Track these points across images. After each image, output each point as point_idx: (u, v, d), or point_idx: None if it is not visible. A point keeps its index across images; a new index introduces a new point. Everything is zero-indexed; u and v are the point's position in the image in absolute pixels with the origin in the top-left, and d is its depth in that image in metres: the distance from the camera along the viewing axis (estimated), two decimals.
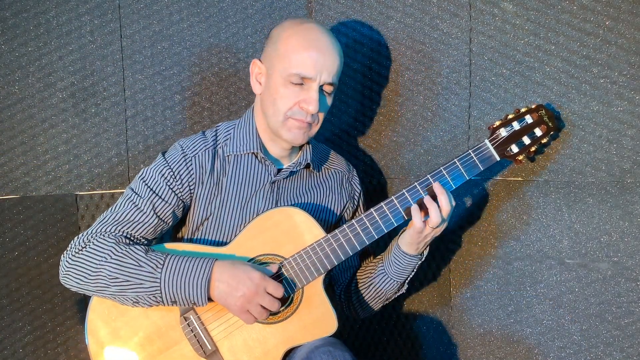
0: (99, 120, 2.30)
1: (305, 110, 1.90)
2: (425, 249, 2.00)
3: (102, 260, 1.80)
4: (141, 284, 1.78)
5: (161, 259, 1.80)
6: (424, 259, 2.01)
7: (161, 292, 1.78)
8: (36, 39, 2.23)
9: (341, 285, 2.17)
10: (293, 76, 1.86)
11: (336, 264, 1.89)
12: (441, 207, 1.88)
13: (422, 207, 1.90)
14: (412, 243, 1.94)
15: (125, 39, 2.29)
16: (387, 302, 2.11)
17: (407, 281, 2.05)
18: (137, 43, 2.30)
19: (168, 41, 2.31)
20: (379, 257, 2.10)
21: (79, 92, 2.27)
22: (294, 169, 2.01)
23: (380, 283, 2.04)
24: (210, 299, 1.81)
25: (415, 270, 2.02)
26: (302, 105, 1.89)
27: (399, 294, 2.09)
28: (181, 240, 2.04)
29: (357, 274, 2.13)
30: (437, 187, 1.90)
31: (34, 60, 2.23)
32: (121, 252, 1.81)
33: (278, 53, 1.89)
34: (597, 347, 2.20)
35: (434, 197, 1.89)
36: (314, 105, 1.88)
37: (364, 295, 2.09)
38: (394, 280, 2.02)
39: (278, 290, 1.81)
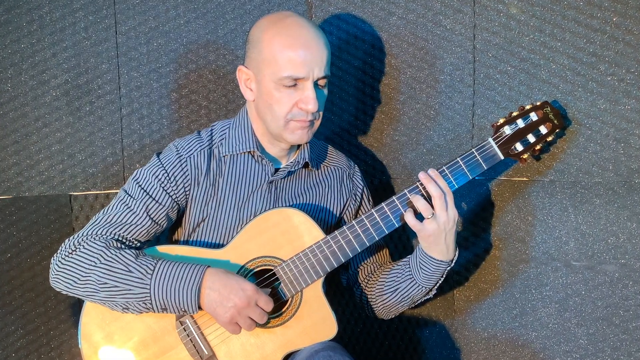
0: (94, 119, 2.29)
1: (305, 110, 1.88)
2: (455, 252, 1.96)
3: (91, 265, 1.79)
4: (130, 290, 1.77)
5: (152, 265, 1.79)
6: (453, 265, 1.96)
7: (151, 299, 1.77)
8: (29, 36, 2.22)
9: (360, 286, 2.13)
10: (285, 79, 1.84)
11: (336, 266, 1.89)
12: (432, 196, 1.86)
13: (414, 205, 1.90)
14: (429, 246, 1.91)
15: (120, 36, 2.28)
16: (413, 305, 2.08)
17: (435, 287, 2.01)
18: (133, 40, 2.29)
19: (164, 38, 2.31)
20: (404, 260, 2.05)
21: (73, 90, 2.26)
22: (292, 169, 2.00)
23: (407, 288, 2.01)
24: (200, 307, 1.80)
25: (444, 276, 1.98)
26: (301, 105, 1.87)
27: (426, 298, 2.05)
28: (177, 242, 2.03)
29: (382, 277, 2.09)
30: (423, 177, 1.88)
31: (27, 58, 2.22)
32: (110, 257, 1.79)
33: (263, 57, 1.86)
34: (604, 351, 2.19)
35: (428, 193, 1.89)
36: (313, 104, 1.86)
37: (389, 298, 2.05)
38: (422, 286, 1.99)
39: (268, 304, 1.80)
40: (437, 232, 1.87)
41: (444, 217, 1.87)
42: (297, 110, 1.88)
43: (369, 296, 2.11)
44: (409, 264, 2.00)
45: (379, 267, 2.14)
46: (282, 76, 1.84)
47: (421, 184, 1.90)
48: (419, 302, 2.06)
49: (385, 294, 2.05)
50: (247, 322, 1.79)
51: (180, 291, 1.76)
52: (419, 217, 1.89)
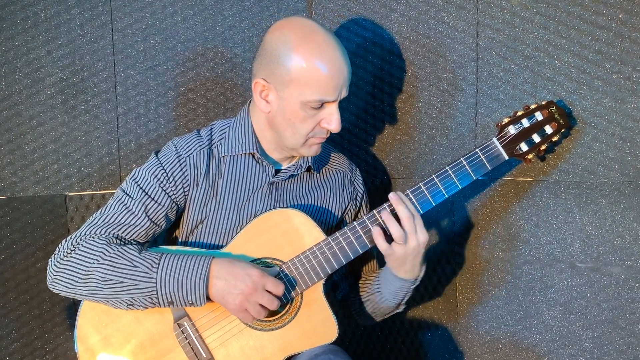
0: (89, 118, 2.29)
1: (327, 129, 1.91)
2: (420, 271, 1.96)
3: (94, 262, 1.79)
4: (136, 284, 1.78)
5: (156, 258, 1.80)
6: (417, 283, 1.98)
7: (157, 293, 1.78)
8: (23, 33, 2.22)
9: (342, 291, 2.18)
10: (314, 102, 1.84)
11: (337, 268, 1.89)
12: (401, 219, 1.86)
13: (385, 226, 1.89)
14: (396, 267, 1.92)
15: (116, 33, 2.29)
16: (385, 316, 2.11)
17: (403, 302, 2.03)
18: (129, 37, 2.29)
19: (161, 35, 2.31)
20: (379, 271, 2.09)
21: (69, 89, 2.27)
22: (294, 172, 2.00)
23: (376, 300, 2.04)
24: (208, 298, 1.80)
25: (409, 293, 2.00)
26: (324, 125, 1.89)
27: (396, 311, 2.08)
28: (175, 243, 2.03)
29: (360, 284, 2.13)
30: (392, 199, 1.88)
31: (21, 55, 2.23)
32: (114, 253, 1.80)
33: (293, 77, 1.82)
34: (610, 354, 2.20)
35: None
36: (337, 125, 1.88)
37: (362, 308, 2.10)
38: (389, 301, 2.02)
39: (278, 287, 1.80)
40: (403, 256, 1.88)
41: (413, 241, 1.86)
42: (319, 128, 1.90)
43: (345, 303, 2.18)
44: (379, 278, 2.04)
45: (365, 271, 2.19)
46: (314, 99, 1.83)
47: (424, 184, 1.91)
48: (390, 314, 2.09)
49: (357, 302, 2.12)
50: (256, 309, 1.79)
51: (188, 283, 1.77)
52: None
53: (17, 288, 2.26)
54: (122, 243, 1.85)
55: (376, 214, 1.90)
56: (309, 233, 1.90)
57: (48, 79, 2.25)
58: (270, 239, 1.89)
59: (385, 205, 1.90)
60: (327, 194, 2.08)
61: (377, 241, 1.88)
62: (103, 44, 2.28)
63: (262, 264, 1.89)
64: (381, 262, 2.12)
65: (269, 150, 2.00)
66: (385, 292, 2.00)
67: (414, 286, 1.98)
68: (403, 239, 1.85)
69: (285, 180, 2.00)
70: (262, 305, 1.80)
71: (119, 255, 1.80)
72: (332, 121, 1.88)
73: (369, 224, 1.90)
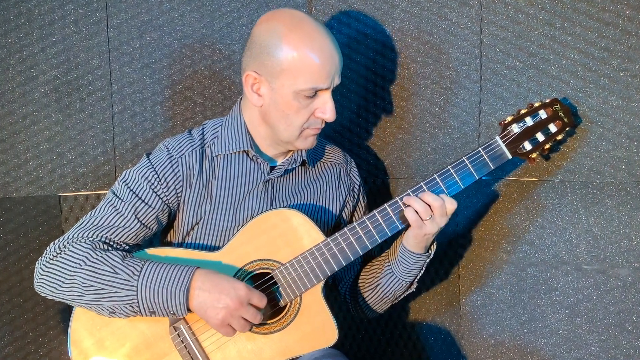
0: (84, 117, 2.30)
1: (323, 119, 1.91)
2: (432, 244, 1.99)
3: (76, 267, 1.79)
4: (116, 292, 1.77)
5: (138, 266, 1.79)
6: (432, 255, 2.00)
7: (138, 302, 1.77)
8: (17, 30, 2.23)
9: (346, 284, 2.17)
10: (307, 91, 1.85)
11: (337, 269, 1.89)
12: (431, 207, 1.88)
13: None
14: (417, 244, 1.94)
15: (112, 30, 2.29)
16: (396, 301, 2.10)
17: (416, 279, 2.04)
18: (125, 34, 2.30)
19: (158, 32, 2.31)
20: (383, 255, 2.09)
21: (63, 86, 2.27)
22: (289, 167, 2.00)
23: (388, 283, 2.03)
24: (190, 310, 1.80)
25: (424, 268, 2.01)
26: (318, 114, 1.90)
27: (408, 292, 2.08)
28: (171, 246, 2.03)
29: (362, 274, 2.13)
30: (426, 196, 1.89)
31: (14, 52, 2.23)
32: (96, 259, 1.79)
33: (284, 67, 1.84)
34: (617, 358, 2.19)
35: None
36: (332, 114, 1.90)
37: (371, 295, 2.08)
38: (403, 280, 2.01)
39: (262, 301, 1.80)
40: (431, 233, 1.90)
41: (444, 222, 1.90)
42: (314, 119, 1.91)
43: (352, 295, 2.15)
44: (388, 259, 2.03)
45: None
46: (307, 88, 1.84)
47: (426, 184, 1.91)
48: (401, 297, 2.09)
49: (366, 291, 2.09)
50: (240, 323, 1.79)
51: (168, 293, 1.76)
52: None
53: (11, 291, 2.26)
54: (107, 248, 1.84)
55: (376, 213, 1.90)
56: (308, 234, 1.90)
57: (42, 77, 2.25)
58: (268, 240, 1.89)
59: (410, 192, 1.91)
60: (324, 188, 2.08)
61: (408, 214, 1.88)
62: (98, 41, 2.28)
63: (254, 269, 1.90)
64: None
65: (263, 147, 2.00)
66: (399, 272, 1.99)
67: (429, 260, 1.99)
68: (429, 215, 1.87)
69: (281, 176, 2.00)
70: (245, 320, 1.80)
71: (101, 261, 1.79)
72: (326, 110, 1.89)
73: (368, 224, 1.90)
